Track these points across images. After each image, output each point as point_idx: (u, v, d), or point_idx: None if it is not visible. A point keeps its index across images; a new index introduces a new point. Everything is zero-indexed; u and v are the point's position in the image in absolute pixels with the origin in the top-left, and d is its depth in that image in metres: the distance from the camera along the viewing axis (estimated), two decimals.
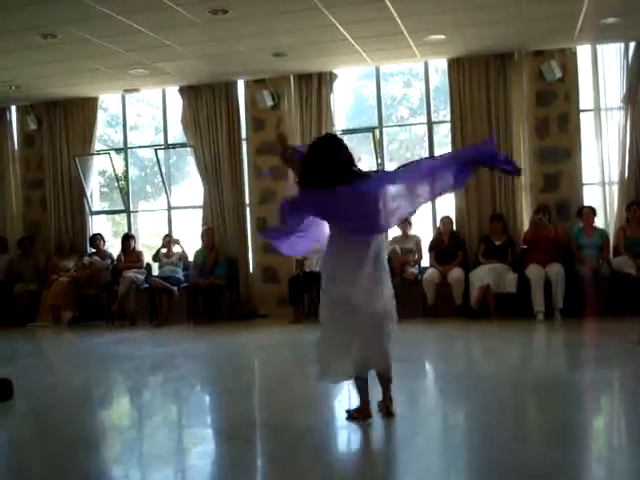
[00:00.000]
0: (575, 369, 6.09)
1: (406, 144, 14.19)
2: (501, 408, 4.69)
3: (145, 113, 15.14)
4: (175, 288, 9.65)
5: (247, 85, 10.11)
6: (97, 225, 11.13)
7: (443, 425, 4.60)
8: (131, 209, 11.09)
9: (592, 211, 8.75)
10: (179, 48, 8.27)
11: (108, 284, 10.13)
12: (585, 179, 9.16)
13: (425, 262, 9.39)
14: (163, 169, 10.77)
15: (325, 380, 4.40)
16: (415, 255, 9.34)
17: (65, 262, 10.39)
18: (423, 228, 9.75)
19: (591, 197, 9.19)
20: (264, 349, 7.74)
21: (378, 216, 4.15)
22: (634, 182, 8.88)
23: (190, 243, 10.28)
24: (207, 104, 10.10)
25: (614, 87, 8.95)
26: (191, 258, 10.08)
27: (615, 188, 8.99)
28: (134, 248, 10.33)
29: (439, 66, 10.56)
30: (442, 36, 8.29)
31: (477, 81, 9.23)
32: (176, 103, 10.48)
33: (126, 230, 10.88)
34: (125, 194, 11.15)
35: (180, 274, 9.96)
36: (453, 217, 9.32)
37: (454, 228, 9.27)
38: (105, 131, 13.96)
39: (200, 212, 10.36)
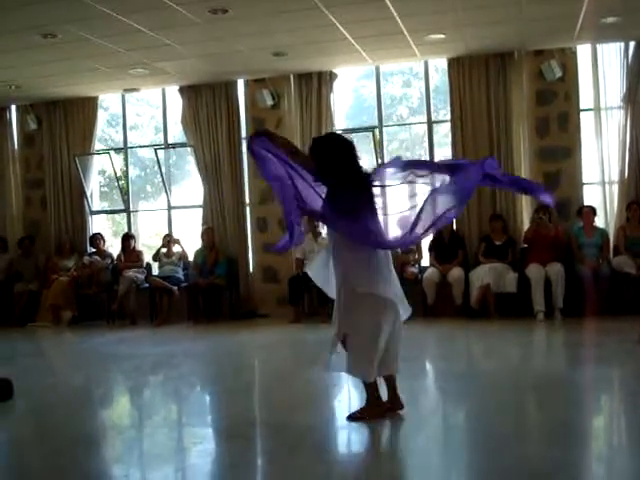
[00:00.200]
0: (575, 368, 6.10)
1: (406, 143, 14.19)
2: (501, 407, 4.69)
3: (145, 113, 15.13)
4: (175, 288, 9.65)
5: (247, 84, 10.11)
6: (97, 225, 11.13)
7: (443, 425, 4.60)
8: (131, 209, 11.08)
9: (592, 210, 8.75)
10: (179, 48, 8.27)
11: (108, 284, 10.13)
12: (585, 178, 9.16)
13: (425, 261, 9.39)
14: (163, 169, 10.76)
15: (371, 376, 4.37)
16: (415, 254, 9.34)
17: (65, 262, 10.39)
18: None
19: (591, 196, 9.19)
20: (264, 348, 7.74)
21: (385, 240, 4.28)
22: (634, 181, 8.88)
23: (190, 243, 10.28)
24: (207, 104, 10.10)
25: (614, 86, 8.94)
26: (191, 258, 10.09)
27: (615, 187, 8.99)
28: (134, 248, 10.33)
29: (439, 65, 10.55)
30: (442, 35, 8.29)
31: (477, 80, 9.23)
32: (176, 103, 10.48)
33: (126, 230, 10.88)
34: (125, 194, 11.15)
35: (180, 274, 9.96)
36: None
37: (454, 227, 9.27)
38: (105, 131, 13.95)
39: (200, 212, 10.36)
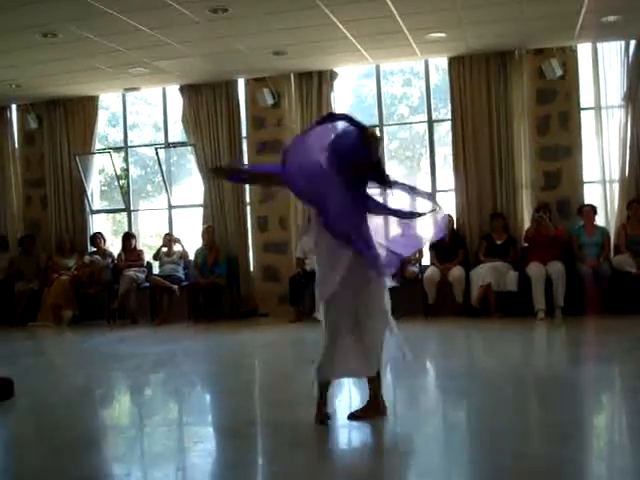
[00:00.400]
0: (575, 367, 6.09)
1: (406, 143, 14.18)
2: (502, 406, 4.69)
3: (145, 112, 15.12)
4: (176, 287, 9.65)
5: (247, 84, 10.11)
6: (97, 224, 11.13)
7: (444, 423, 4.60)
8: (131, 208, 11.08)
9: (593, 209, 8.75)
10: (179, 47, 8.27)
11: (109, 283, 10.13)
12: (586, 177, 9.15)
13: (426, 260, 9.38)
14: (163, 168, 10.76)
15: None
16: (416, 253, 9.32)
17: (66, 261, 10.39)
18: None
19: (592, 195, 9.19)
20: (264, 348, 7.74)
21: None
22: (635, 180, 8.88)
23: (191, 242, 10.28)
24: (207, 103, 10.10)
25: (614, 85, 8.95)
26: (192, 257, 10.09)
27: (616, 186, 8.99)
28: (135, 247, 10.33)
29: (439, 64, 10.54)
30: (442, 34, 8.29)
31: (478, 79, 9.23)
32: (176, 102, 10.48)
33: (126, 229, 10.88)
34: (125, 193, 11.15)
35: (181, 273, 9.96)
36: (454, 215, 9.32)
37: (455, 227, 9.27)
38: (105, 130, 13.93)
39: (201, 211, 10.36)
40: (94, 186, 11.07)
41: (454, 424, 4.60)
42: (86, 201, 10.83)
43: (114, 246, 11.23)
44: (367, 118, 11.49)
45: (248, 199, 10.16)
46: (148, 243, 12.60)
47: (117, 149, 11.71)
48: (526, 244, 8.90)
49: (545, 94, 9.13)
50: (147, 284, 9.95)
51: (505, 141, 9.13)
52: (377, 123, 10.00)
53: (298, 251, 9.33)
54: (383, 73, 10.30)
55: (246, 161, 10.11)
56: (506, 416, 4.43)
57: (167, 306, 9.66)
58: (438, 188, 9.75)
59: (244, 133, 10.16)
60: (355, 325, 4.22)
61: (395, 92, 14.55)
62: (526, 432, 4.14)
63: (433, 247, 9.22)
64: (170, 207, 10.78)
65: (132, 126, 13.41)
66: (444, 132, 10.52)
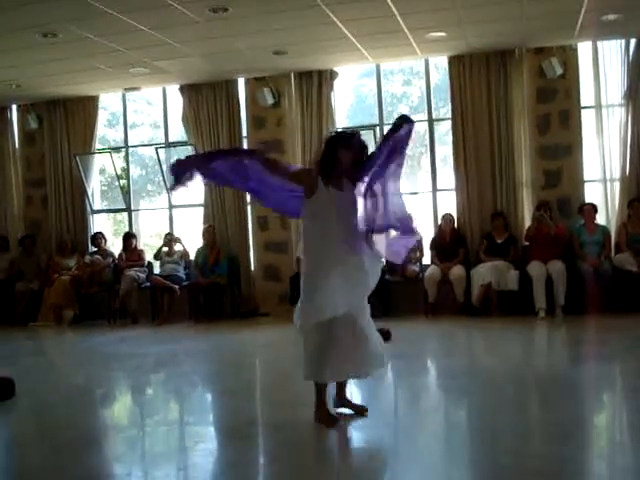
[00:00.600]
0: (576, 366, 6.09)
1: None
2: (503, 405, 4.69)
3: (145, 111, 15.13)
4: (176, 286, 9.65)
5: (247, 83, 10.11)
6: (98, 224, 11.13)
7: (445, 422, 4.60)
8: (132, 208, 11.09)
9: (593, 208, 8.74)
10: (179, 46, 8.27)
11: (109, 283, 10.13)
12: (586, 176, 9.14)
13: (426, 260, 9.38)
14: (164, 167, 10.75)
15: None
16: (417, 252, 9.33)
17: (66, 261, 10.39)
18: (424, 226, 9.75)
19: (592, 194, 9.18)
20: (265, 347, 7.74)
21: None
22: (635, 179, 8.87)
23: (191, 241, 10.28)
24: (208, 102, 10.10)
25: (615, 84, 8.93)
26: (192, 256, 10.08)
27: (616, 185, 8.98)
28: (135, 247, 10.33)
29: (439, 64, 10.54)
30: (443, 33, 8.28)
31: (478, 78, 9.22)
32: (177, 101, 10.48)
33: (127, 229, 10.88)
34: (126, 193, 11.15)
35: (181, 272, 9.96)
36: (454, 214, 9.32)
37: (455, 226, 9.27)
38: (106, 130, 13.95)
39: (201, 210, 10.36)
40: (94, 186, 11.06)
41: (455, 423, 4.60)
42: (86, 201, 10.84)
43: (115, 246, 11.23)
44: (367, 117, 11.52)
45: (248, 198, 10.15)
46: (149, 243, 12.61)
47: (117, 149, 11.72)
48: (527, 243, 8.90)
49: (545, 93, 9.13)
50: (148, 284, 9.95)
51: (505, 140, 9.12)
52: (377, 122, 9.99)
53: (299, 250, 9.32)
54: (383, 72, 10.30)
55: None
56: (507, 415, 4.43)
57: (168, 306, 9.66)
58: (438, 187, 9.75)
59: (244, 133, 10.16)
60: (353, 326, 4.22)
61: (395, 91, 14.57)
62: (527, 431, 4.15)
63: (434, 246, 9.24)
64: (170, 207, 10.79)
65: (132, 126, 13.42)
66: (444, 131, 10.53)
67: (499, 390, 5.13)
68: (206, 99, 10.10)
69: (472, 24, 8.02)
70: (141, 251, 10.39)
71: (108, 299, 10.03)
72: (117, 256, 10.39)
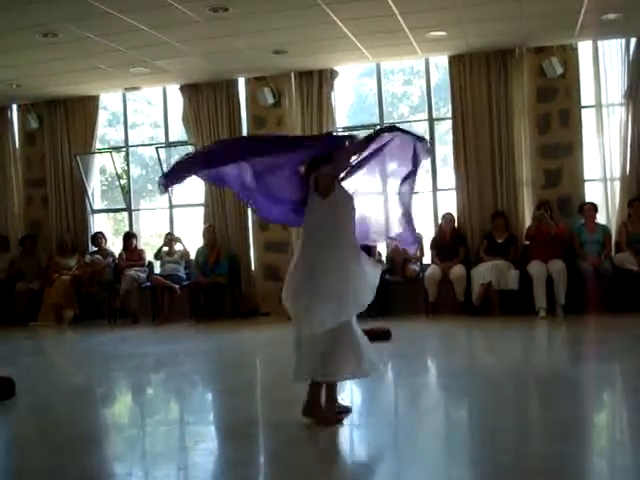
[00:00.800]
0: (577, 365, 6.09)
1: None
2: (503, 404, 4.69)
3: (145, 111, 15.14)
4: (177, 286, 9.65)
5: (248, 83, 10.11)
6: (98, 224, 11.13)
7: (445, 422, 4.60)
8: (132, 207, 11.09)
9: (594, 207, 8.74)
10: (180, 46, 8.27)
11: (110, 282, 10.13)
12: (587, 175, 9.14)
13: (427, 259, 9.38)
14: (164, 167, 10.75)
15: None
16: (417, 252, 9.33)
17: (67, 261, 10.39)
18: (424, 225, 9.75)
19: (593, 193, 9.18)
20: (265, 347, 7.74)
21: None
22: (635, 178, 8.87)
23: (192, 241, 10.28)
24: (208, 102, 10.10)
25: (615, 83, 8.94)
26: (193, 256, 10.08)
27: (617, 184, 8.98)
28: (136, 246, 10.33)
29: (440, 63, 10.54)
30: (443, 33, 8.28)
31: (478, 78, 9.22)
32: (177, 101, 10.48)
33: (127, 228, 10.88)
34: (126, 192, 11.15)
35: (182, 272, 9.96)
36: (455, 214, 9.31)
37: (456, 225, 9.27)
38: (106, 130, 13.94)
39: (201, 210, 10.36)
40: (95, 186, 11.06)
41: (455, 422, 4.60)
42: (87, 201, 10.84)
43: (115, 246, 11.23)
44: (367, 117, 11.53)
45: None
46: (149, 242, 12.61)
47: (118, 148, 11.72)
48: (527, 242, 8.90)
49: (546, 92, 9.13)
50: (148, 284, 9.95)
51: (506, 139, 9.12)
52: (378, 122, 9.99)
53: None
54: (384, 72, 10.30)
55: None
56: (507, 414, 4.43)
57: (168, 305, 9.66)
58: (439, 187, 9.75)
59: (244, 132, 10.16)
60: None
61: (396, 91, 14.58)
62: (527, 430, 4.14)
63: (434, 246, 9.24)
64: (171, 206, 10.79)
65: (133, 125, 13.43)
66: (445, 131, 10.53)
67: (499, 389, 5.13)
68: (206, 99, 10.10)
69: (472, 23, 8.02)
70: (141, 251, 10.39)
71: (108, 299, 10.03)
72: (117, 256, 10.39)
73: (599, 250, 8.57)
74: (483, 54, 9.13)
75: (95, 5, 6.72)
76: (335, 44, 8.54)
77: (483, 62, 9.18)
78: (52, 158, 10.82)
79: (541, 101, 9.15)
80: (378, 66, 9.89)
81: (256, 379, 6.49)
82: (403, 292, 9.07)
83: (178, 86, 10.26)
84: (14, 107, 11.08)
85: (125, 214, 11.28)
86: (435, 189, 9.73)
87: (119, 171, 11.38)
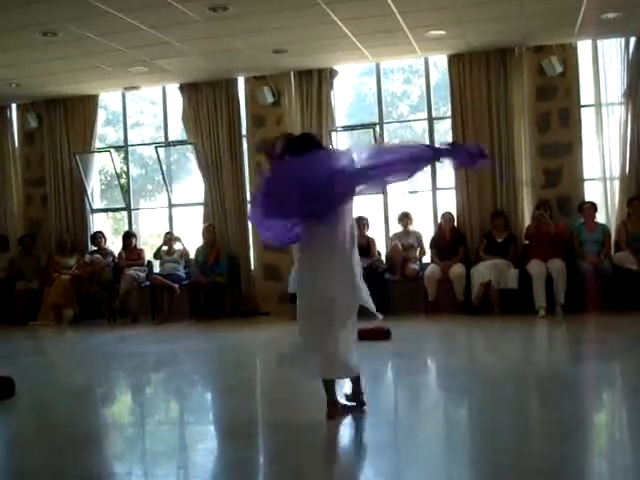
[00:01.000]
0: (576, 364, 6.09)
1: (407, 140, 14.17)
2: (503, 404, 4.69)
3: (145, 110, 15.13)
4: (176, 285, 9.65)
5: (247, 82, 10.10)
6: (98, 223, 11.13)
7: (445, 421, 4.60)
8: (132, 207, 11.09)
9: (593, 206, 8.74)
10: (179, 45, 8.27)
11: (109, 282, 10.12)
12: (586, 174, 9.15)
13: (426, 258, 9.38)
14: (164, 167, 10.76)
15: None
16: (416, 251, 9.34)
17: (66, 260, 10.38)
18: (424, 224, 9.76)
19: (592, 192, 9.19)
20: (265, 346, 7.73)
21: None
22: (635, 177, 8.87)
23: (191, 240, 10.28)
24: (207, 101, 10.09)
25: (615, 82, 8.93)
26: (192, 255, 10.08)
27: (616, 183, 8.98)
28: (135, 246, 10.33)
29: (439, 62, 10.54)
30: (442, 32, 8.28)
31: (478, 77, 9.22)
32: (176, 100, 10.47)
33: (127, 228, 10.87)
34: (126, 192, 11.15)
35: (181, 271, 9.96)
36: (454, 213, 9.31)
37: (455, 224, 9.27)
38: (105, 129, 13.95)
39: (201, 209, 10.36)
40: (94, 185, 11.06)
41: (455, 422, 4.60)
42: (86, 200, 10.83)
43: (115, 245, 11.24)
44: (367, 116, 11.52)
45: (249, 197, 10.15)
46: (149, 242, 12.61)
47: (117, 148, 11.71)
48: (527, 242, 8.90)
49: (545, 91, 9.13)
50: (148, 283, 9.95)
51: (505, 139, 9.12)
52: (377, 121, 10.00)
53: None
54: (383, 71, 10.30)
55: (246, 160, 10.11)
56: (507, 414, 4.43)
57: (168, 305, 9.66)
58: (438, 186, 9.74)
59: (244, 131, 10.16)
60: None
61: (395, 90, 14.58)
62: (527, 430, 4.14)
63: (433, 245, 9.24)
64: (170, 206, 10.78)
65: (134, 125, 13.44)
66: (444, 130, 10.52)
67: (499, 389, 5.13)
68: (206, 98, 10.10)
69: (472, 22, 8.02)
70: (141, 250, 10.38)
71: (108, 298, 10.02)
72: (117, 255, 10.38)
73: (599, 249, 8.57)
74: (483, 53, 9.13)
75: (95, 4, 6.71)
76: (335, 43, 8.54)
77: (483, 61, 9.18)
78: (51, 157, 10.82)
79: (541, 100, 9.15)
80: (378, 65, 9.89)
81: (256, 379, 6.49)
82: (403, 291, 9.07)
83: (177, 85, 10.26)
84: (13, 106, 11.07)
85: (124, 213, 11.28)
86: (435, 188, 9.73)
87: (118, 170, 11.37)
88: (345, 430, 4.26)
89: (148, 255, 10.41)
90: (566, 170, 9.07)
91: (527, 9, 7.57)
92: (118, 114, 11.88)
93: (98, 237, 10.45)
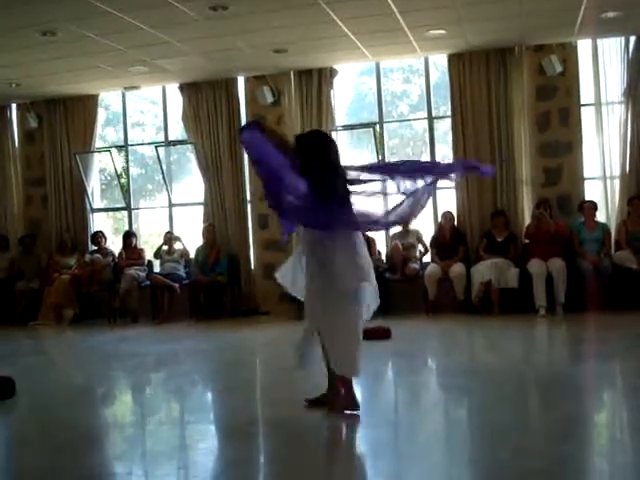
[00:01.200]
0: (577, 364, 6.09)
1: (407, 140, 14.18)
2: (503, 403, 4.69)
3: (146, 110, 15.12)
4: (176, 285, 9.65)
5: (247, 81, 10.10)
6: (98, 223, 11.13)
7: (445, 421, 4.60)
8: (132, 206, 11.09)
9: (593, 205, 8.74)
10: (179, 45, 8.27)
11: (109, 282, 10.12)
12: (586, 173, 9.14)
13: (427, 258, 9.38)
14: (164, 166, 10.76)
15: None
16: (416, 250, 9.33)
17: (66, 260, 10.39)
18: (424, 223, 9.75)
19: (592, 191, 9.19)
20: (265, 346, 7.75)
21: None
22: (635, 176, 8.87)
23: (191, 240, 10.28)
24: (207, 101, 10.10)
25: (615, 81, 8.93)
26: (192, 255, 10.08)
27: (616, 182, 8.98)
28: (135, 245, 10.33)
29: (439, 62, 10.54)
30: (442, 31, 8.28)
31: (477, 76, 9.22)
32: (176, 100, 10.47)
33: (127, 228, 10.88)
34: (126, 191, 11.16)
35: (181, 271, 9.96)
36: (454, 212, 9.31)
37: (455, 223, 9.27)
38: (105, 129, 13.94)
39: (201, 209, 10.36)
40: (94, 185, 11.06)
41: (455, 421, 4.61)
42: (86, 200, 10.84)
43: (115, 245, 11.23)
44: (367, 115, 11.52)
45: (248, 197, 10.15)
46: (149, 241, 12.61)
47: (117, 147, 11.71)
48: (527, 241, 8.90)
49: (545, 90, 9.13)
50: (148, 283, 9.95)
51: (505, 138, 9.12)
52: (377, 120, 10.00)
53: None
54: (383, 70, 10.30)
55: (246, 160, 10.10)
56: (507, 413, 4.43)
57: (168, 305, 9.66)
58: (438, 185, 9.69)
59: None
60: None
61: (395, 89, 14.56)
62: (527, 429, 4.14)
63: (434, 244, 9.24)
64: (170, 205, 10.79)
65: (135, 124, 13.43)
66: (444, 129, 10.52)
67: (499, 388, 5.13)
68: (206, 97, 10.10)
69: (472, 22, 8.02)
70: (141, 250, 10.38)
71: (108, 298, 10.02)
72: (117, 255, 10.38)
73: (599, 248, 8.57)
74: (483, 52, 9.13)
75: (95, 4, 6.71)
76: (335, 43, 8.53)
77: (483, 60, 9.18)
78: (51, 157, 10.82)
79: (541, 99, 9.15)
80: (377, 65, 9.89)
81: (256, 378, 6.49)
82: (403, 291, 9.06)
83: (177, 85, 10.26)
84: (13, 106, 11.07)
85: (125, 213, 11.28)
86: (435, 187, 9.70)
87: (119, 170, 11.37)
88: (345, 429, 4.26)
89: (148, 255, 10.41)
90: (566, 169, 9.07)
91: (527, 8, 7.56)
92: (118, 114, 11.88)
93: (98, 237, 10.45)
